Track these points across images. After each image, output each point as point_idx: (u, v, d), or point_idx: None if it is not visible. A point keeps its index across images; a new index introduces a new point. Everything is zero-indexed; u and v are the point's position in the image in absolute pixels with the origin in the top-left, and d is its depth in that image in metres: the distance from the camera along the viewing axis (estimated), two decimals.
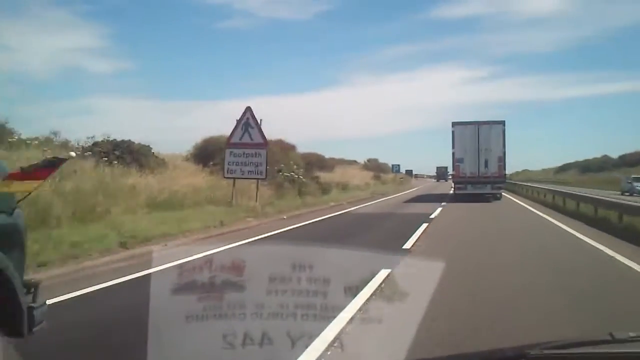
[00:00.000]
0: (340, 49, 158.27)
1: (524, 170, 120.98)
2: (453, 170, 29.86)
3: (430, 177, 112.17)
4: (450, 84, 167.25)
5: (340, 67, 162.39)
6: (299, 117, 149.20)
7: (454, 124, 28.73)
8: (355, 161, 66.30)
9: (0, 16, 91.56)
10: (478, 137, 27.95)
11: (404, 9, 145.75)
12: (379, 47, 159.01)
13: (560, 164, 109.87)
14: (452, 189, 30.67)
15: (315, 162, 38.40)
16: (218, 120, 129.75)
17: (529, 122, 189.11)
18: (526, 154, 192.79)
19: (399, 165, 52.06)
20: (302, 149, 35.90)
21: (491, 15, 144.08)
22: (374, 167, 65.35)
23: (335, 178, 36.99)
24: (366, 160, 70.05)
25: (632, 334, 2.01)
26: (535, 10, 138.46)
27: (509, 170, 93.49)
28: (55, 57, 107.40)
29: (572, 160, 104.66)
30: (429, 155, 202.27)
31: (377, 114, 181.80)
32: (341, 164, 52.78)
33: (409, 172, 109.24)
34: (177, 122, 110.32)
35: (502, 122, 28.65)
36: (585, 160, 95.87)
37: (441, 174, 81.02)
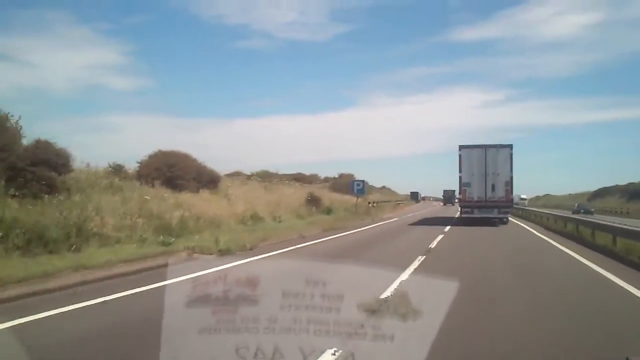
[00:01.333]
0: (358, 70, 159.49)
1: (545, 195, 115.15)
2: (460, 194, 29.45)
3: (437, 200, 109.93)
4: (468, 107, 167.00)
5: (358, 88, 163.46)
6: (317, 138, 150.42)
7: (461, 147, 28.39)
8: (300, 175, 53.25)
9: (25, 34, 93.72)
10: (485, 160, 27.70)
11: (423, 31, 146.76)
12: (397, 69, 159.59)
13: (594, 188, 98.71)
14: (459, 212, 30.25)
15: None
16: (232, 138, 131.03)
17: (547, 146, 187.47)
18: (546, 178, 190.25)
19: (362, 182, 37.39)
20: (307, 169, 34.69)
21: (509, 39, 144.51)
22: (342, 186, 45.32)
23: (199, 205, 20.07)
24: (336, 176, 56.54)
25: None
26: (553, 34, 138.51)
27: (528, 194, 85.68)
28: (77, 74, 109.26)
29: (609, 184, 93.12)
30: (443, 178, 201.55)
31: (394, 135, 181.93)
32: (260, 177, 39.51)
33: (414, 194, 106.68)
34: (195, 139, 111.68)
35: (510, 146, 28.29)
36: (631, 184, 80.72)
37: (448, 197, 78.52)
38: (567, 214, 35.34)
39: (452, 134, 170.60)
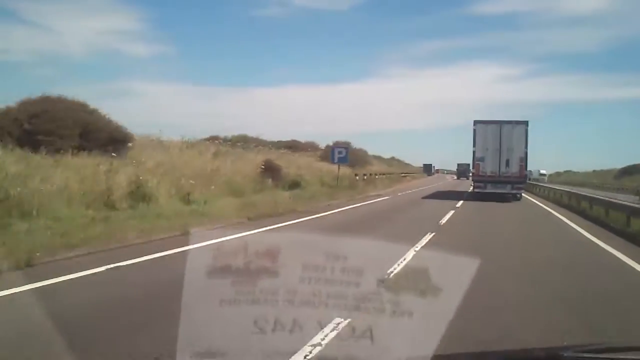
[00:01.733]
0: (375, 41, 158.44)
1: (566, 172, 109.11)
2: (473, 168, 29.42)
3: (450, 173, 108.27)
4: (487, 81, 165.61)
5: (375, 59, 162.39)
6: (332, 108, 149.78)
7: (475, 122, 28.34)
8: (295, 142, 48.16)
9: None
10: (500, 136, 27.60)
11: (443, 2, 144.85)
12: (415, 41, 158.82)
13: (619, 165, 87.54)
14: (472, 187, 30.30)
15: None
16: (249, 106, 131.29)
17: (567, 122, 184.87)
18: (566, 154, 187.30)
19: (345, 148, 31.79)
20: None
21: (531, 12, 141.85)
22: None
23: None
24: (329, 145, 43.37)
25: None
26: (577, 8, 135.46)
27: (548, 170, 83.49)
28: (96, 39, 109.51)
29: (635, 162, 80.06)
30: (459, 151, 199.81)
31: (410, 107, 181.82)
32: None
33: (427, 167, 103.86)
34: (212, 107, 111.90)
35: (526, 122, 28.06)
36: None
37: (462, 171, 75.76)
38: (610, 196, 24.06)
39: (469, 108, 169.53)
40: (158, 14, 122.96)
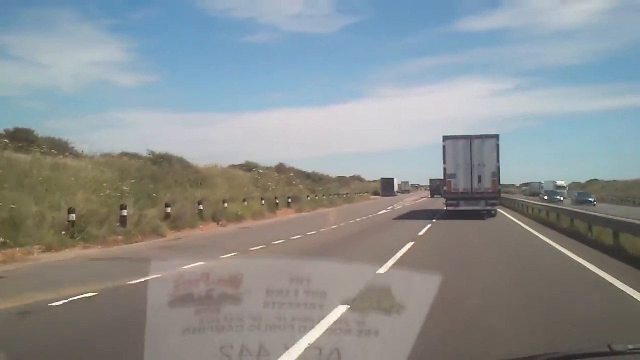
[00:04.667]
0: (364, 62, 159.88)
1: (590, 182, 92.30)
2: (445, 186, 28.61)
3: (425, 188, 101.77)
4: (475, 97, 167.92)
5: (364, 80, 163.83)
6: (323, 130, 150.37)
7: (445, 138, 27.69)
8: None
9: (30, 32, 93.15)
10: (471, 151, 27.16)
11: (429, 21, 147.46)
12: (404, 60, 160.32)
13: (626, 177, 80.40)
14: (445, 205, 29.46)
15: None
16: (240, 131, 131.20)
17: (555, 134, 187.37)
18: (553, 167, 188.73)
19: None
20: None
21: (517, 28, 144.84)
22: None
23: None
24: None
25: (630, 346, 2.01)
26: (562, 22, 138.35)
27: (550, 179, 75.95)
28: (83, 71, 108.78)
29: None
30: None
31: (401, 126, 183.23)
32: None
33: (386, 183, 79.99)
34: (202, 134, 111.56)
35: (496, 136, 27.66)
36: None
37: (435, 187, 66.21)
38: None
39: (459, 125, 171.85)
40: (146, 44, 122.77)
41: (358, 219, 25.46)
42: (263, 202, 29.69)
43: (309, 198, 39.62)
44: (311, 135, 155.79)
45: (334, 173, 74.98)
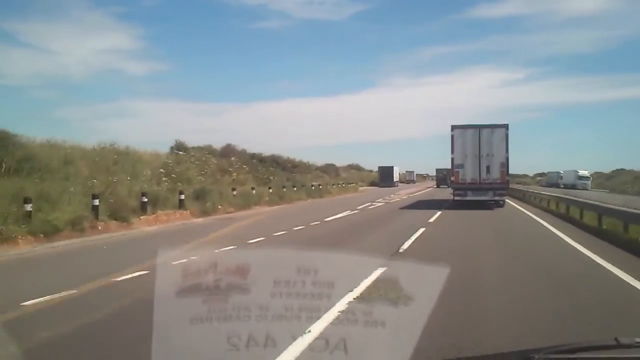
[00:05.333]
0: (376, 50, 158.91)
1: (617, 171, 79.39)
2: (452, 176, 28.47)
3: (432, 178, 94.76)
4: (489, 86, 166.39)
5: (376, 69, 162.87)
6: (335, 120, 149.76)
7: (453, 127, 27.43)
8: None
9: (42, 20, 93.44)
10: (479, 141, 26.94)
11: (442, 9, 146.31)
12: (416, 48, 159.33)
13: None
14: (452, 195, 29.34)
15: None
16: (252, 121, 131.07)
17: (569, 124, 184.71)
18: (568, 157, 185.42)
19: None
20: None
21: (531, 15, 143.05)
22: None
23: None
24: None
25: (637, 339, 2.01)
26: (577, 9, 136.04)
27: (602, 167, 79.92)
28: (93, 59, 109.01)
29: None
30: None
31: (413, 115, 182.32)
32: None
33: (384, 172, 74.02)
34: (212, 124, 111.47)
35: (505, 126, 27.32)
36: None
37: (442, 177, 63.32)
38: None
39: (472, 114, 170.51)
40: (157, 31, 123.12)
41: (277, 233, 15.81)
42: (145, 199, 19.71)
43: (235, 193, 27.79)
44: (321, 125, 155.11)
45: (343, 162, 72.64)
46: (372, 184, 75.10)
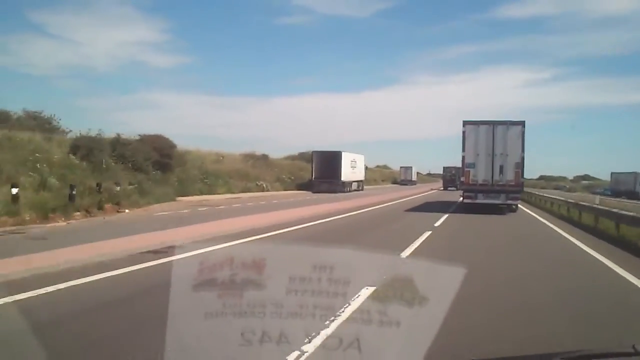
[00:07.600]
0: (399, 48, 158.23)
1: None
2: (462, 176, 26.55)
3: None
4: (513, 86, 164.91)
5: (399, 66, 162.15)
6: (356, 116, 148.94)
7: (465, 123, 25.53)
8: None
9: (68, 11, 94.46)
10: (493, 139, 25.15)
11: (466, 8, 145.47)
12: (440, 47, 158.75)
13: None
14: (461, 197, 27.92)
15: None
16: (272, 116, 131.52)
17: (593, 126, 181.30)
18: (588, 160, 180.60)
19: None
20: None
21: (558, 16, 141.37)
22: None
23: None
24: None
25: None
26: (605, 10, 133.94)
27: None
28: (118, 51, 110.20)
29: None
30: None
31: (436, 114, 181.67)
32: None
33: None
34: (231, 118, 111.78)
35: (522, 123, 25.29)
36: None
37: (449, 178, 57.15)
38: None
39: (495, 114, 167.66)
40: (180, 24, 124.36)
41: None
42: None
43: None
44: (343, 122, 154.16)
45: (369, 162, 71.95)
46: (394, 182, 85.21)
